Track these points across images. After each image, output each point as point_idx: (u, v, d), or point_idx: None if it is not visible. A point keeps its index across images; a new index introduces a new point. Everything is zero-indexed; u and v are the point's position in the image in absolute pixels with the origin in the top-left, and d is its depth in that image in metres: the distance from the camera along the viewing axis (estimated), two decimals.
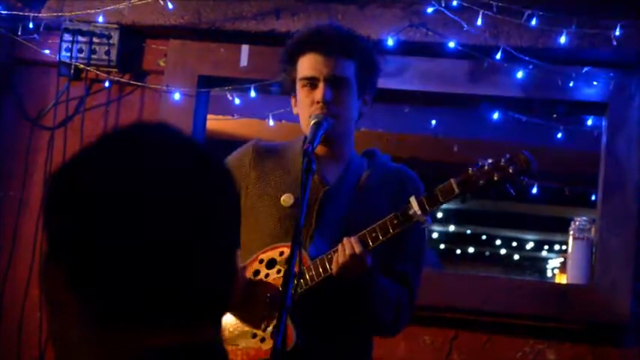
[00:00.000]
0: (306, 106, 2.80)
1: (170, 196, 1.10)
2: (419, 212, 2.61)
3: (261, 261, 2.79)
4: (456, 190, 2.60)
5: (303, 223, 2.68)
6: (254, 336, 2.75)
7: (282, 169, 2.88)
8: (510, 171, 2.57)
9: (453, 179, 2.61)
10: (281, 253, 2.76)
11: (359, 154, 2.96)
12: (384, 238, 2.63)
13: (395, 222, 2.63)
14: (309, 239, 2.75)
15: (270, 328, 2.67)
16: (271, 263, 2.78)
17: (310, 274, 2.68)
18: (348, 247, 2.60)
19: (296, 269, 2.42)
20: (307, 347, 2.66)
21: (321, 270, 2.67)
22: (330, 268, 2.65)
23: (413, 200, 2.63)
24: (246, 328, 2.76)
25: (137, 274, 1.09)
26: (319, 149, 2.82)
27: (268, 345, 2.68)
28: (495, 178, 2.58)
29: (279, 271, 2.74)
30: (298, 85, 2.83)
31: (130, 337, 1.10)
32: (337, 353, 2.78)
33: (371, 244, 2.63)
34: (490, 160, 2.60)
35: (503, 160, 2.59)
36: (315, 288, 2.68)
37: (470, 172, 2.61)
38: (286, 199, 2.81)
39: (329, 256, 2.66)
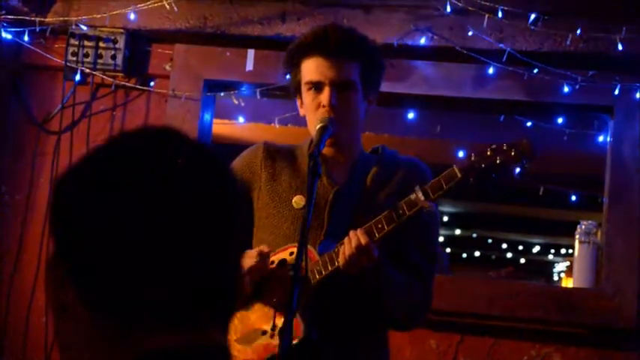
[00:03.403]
0: (312, 110, 2.79)
1: (174, 199, 1.11)
2: (422, 198, 2.61)
3: (272, 262, 2.79)
4: (459, 175, 2.60)
5: (315, 225, 2.69)
6: (264, 333, 2.75)
7: (291, 170, 2.88)
8: (512, 154, 2.57)
9: (456, 165, 2.62)
10: (291, 253, 2.75)
11: (367, 152, 2.96)
12: (389, 227, 2.63)
13: (400, 211, 2.64)
14: (320, 239, 2.75)
15: (278, 325, 2.67)
16: (282, 264, 2.78)
17: (318, 268, 2.68)
18: (355, 239, 2.60)
19: (303, 273, 2.41)
20: (319, 343, 2.66)
21: (328, 264, 2.67)
22: (338, 261, 2.65)
23: (417, 188, 2.63)
24: (256, 326, 2.77)
25: (141, 275, 1.09)
26: (327, 150, 2.82)
27: (277, 340, 2.67)
28: (498, 162, 2.58)
29: (289, 271, 2.74)
30: (303, 88, 2.82)
31: (135, 338, 1.10)
32: (350, 348, 2.77)
33: (377, 234, 2.63)
34: (493, 145, 2.60)
35: (505, 144, 2.59)
36: (326, 281, 2.68)
37: (472, 157, 2.61)
38: (298, 200, 2.81)
39: (336, 250, 2.67)
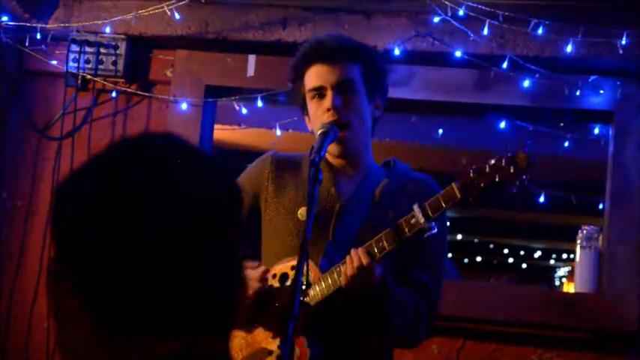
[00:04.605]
0: (317, 117, 2.78)
1: (174, 205, 1.11)
2: (422, 220, 2.58)
3: (274, 275, 2.78)
4: (458, 195, 2.56)
5: (320, 236, 2.67)
6: (270, 353, 2.73)
7: (298, 181, 2.86)
8: (511, 171, 2.53)
9: (455, 183, 2.57)
10: (292, 267, 2.71)
11: (378, 165, 2.94)
12: (391, 247, 2.60)
13: (400, 230, 2.61)
14: (322, 252, 2.73)
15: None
16: (284, 277, 2.77)
17: (320, 287, 2.66)
18: (356, 258, 2.57)
19: (304, 281, 2.40)
20: None
21: (330, 283, 2.65)
22: (340, 281, 2.63)
23: (416, 208, 2.59)
24: (262, 345, 2.75)
25: (142, 283, 1.09)
26: (336, 161, 2.83)
27: None
28: (497, 180, 2.54)
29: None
30: (308, 97, 2.82)
31: (136, 345, 1.10)
32: None
33: (378, 254, 2.59)
34: (491, 161, 2.57)
35: (503, 160, 2.55)
36: (329, 301, 2.66)
37: (471, 175, 2.56)
38: (303, 212, 2.76)
39: (338, 269, 2.64)
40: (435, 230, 2.61)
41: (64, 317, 1.14)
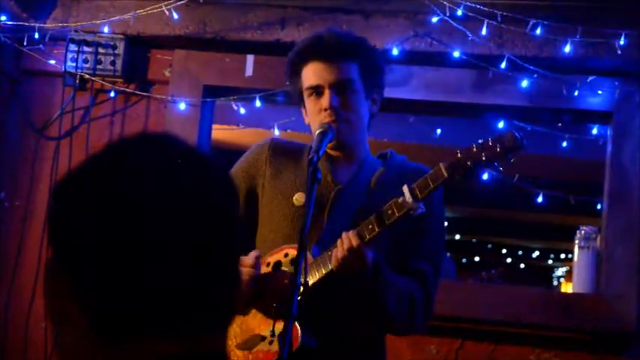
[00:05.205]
0: (315, 115, 2.80)
1: (172, 205, 1.11)
2: (410, 200, 2.59)
3: (267, 264, 2.79)
4: (445, 174, 2.57)
5: (314, 223, 2.68)
6: (263, 339, 2.74)
7: (295, 168, 2.88)
8: (498, 149, 2.54)
9: (442, 163, 2.59)
10: (286, 255, 2.75)
11: (375, 157, 2.95)
12: (380, 229, 2.60)
13: (389, 212, 2.61)
14: (317, 238, 2.74)
15: (276, 331, 2.66)
16: (277, 265, 2.78)
17: (312, 271, 2.67)
18: (346, 241, 2.58)
19: (302, 278, 2.41)
20: (316, 347, 2.65)
21: (322, 267, 2.66)
22: (331, 264, 2.64)
23: (405, 188, 2.60)
24: (256, 332, 2.76)
25: (141, 284, 1.09)
26: (333, 152, 2.83)
27: (276, 346, 2.66)
28: (483, 158, 2.54)
29: (286, 275, 2.74)
30: (305, 94, 2.84)
31: (135, 346, 1.10)
32: (346, 352, 2.76)
33: (368, 236, 2.60)
34: (479, 141, 2.58)
35: (491, 139, 2.57)
36: (322, 286, 2.67)
37: (458, 154, 2.58)
38: (299, 197, 2.81)
39: (329, 253, 2.66)
40: (422, 210, 2.61)
41: (61, 318, 1.14)
